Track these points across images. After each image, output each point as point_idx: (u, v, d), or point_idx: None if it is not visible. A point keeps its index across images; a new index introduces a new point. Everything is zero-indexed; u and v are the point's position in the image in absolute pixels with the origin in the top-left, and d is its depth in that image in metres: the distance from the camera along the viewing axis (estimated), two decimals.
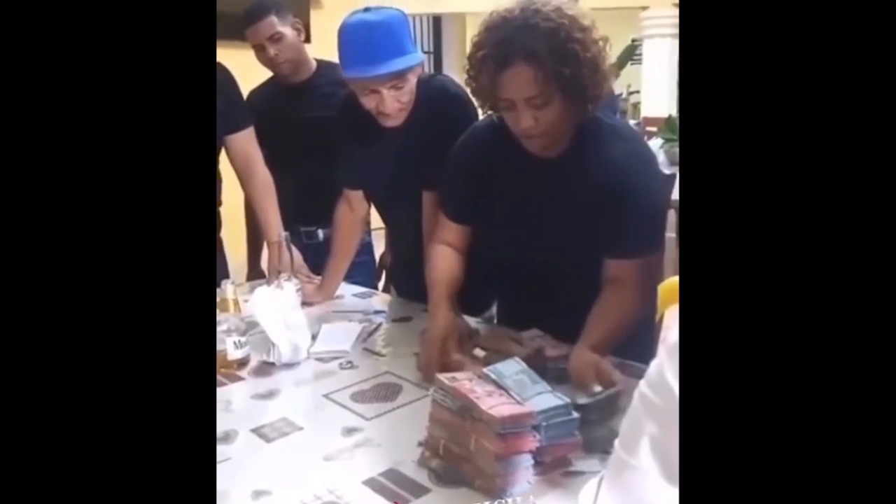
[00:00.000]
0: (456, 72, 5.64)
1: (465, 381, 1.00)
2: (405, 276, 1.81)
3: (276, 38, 1.98)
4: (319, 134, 1.83)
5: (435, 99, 1.53)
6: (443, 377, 1.01)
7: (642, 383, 0.60)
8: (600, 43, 1.22)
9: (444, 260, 1.43)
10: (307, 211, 2.03)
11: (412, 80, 1.47)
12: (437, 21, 6.23)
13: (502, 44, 1.18)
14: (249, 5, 1.99)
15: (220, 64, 1.90)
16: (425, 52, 6.68)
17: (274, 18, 1.97)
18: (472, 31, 4.29)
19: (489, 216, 1.39)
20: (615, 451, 0.62)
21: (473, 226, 1.43)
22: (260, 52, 2.01)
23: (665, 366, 0.57)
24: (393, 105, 1.45)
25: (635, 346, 1.28)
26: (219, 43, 2.39)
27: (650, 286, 1.35)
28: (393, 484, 0.95)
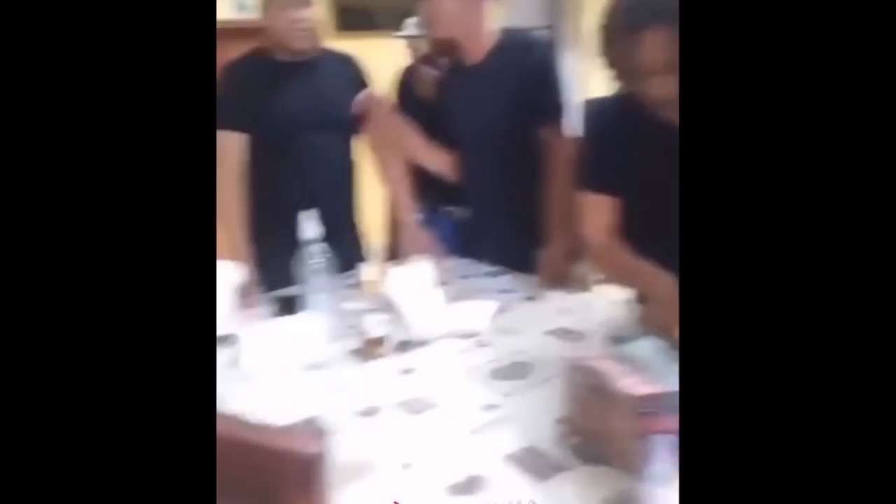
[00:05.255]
0: (573, 46, 5.46)
1: (600, 360, 1.01)
2: (485, 234, 1.86)
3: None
4: None
5: (516, 41, 1.68)
6: (577, 355, 1.02)
7: None
8: None
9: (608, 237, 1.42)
10: (446, 190, 2.09)
11: None
12: None
13: (636, 8, 1.17)
14: None
15: (353, 56, 1.99)
16: (541, 28, 6.53)
17: None
18: (589, 5, 4.18)
19: (626, 189, 1.38)
20: None
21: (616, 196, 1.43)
22: None
23: None
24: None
25: None
26: (351, 34, 2.45)
27: None
28: (533, 460, 0.98)
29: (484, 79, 1.74)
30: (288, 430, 1.02)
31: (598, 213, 1.42)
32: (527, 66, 1.70)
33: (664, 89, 1.19)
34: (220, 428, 0.59)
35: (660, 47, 1.15)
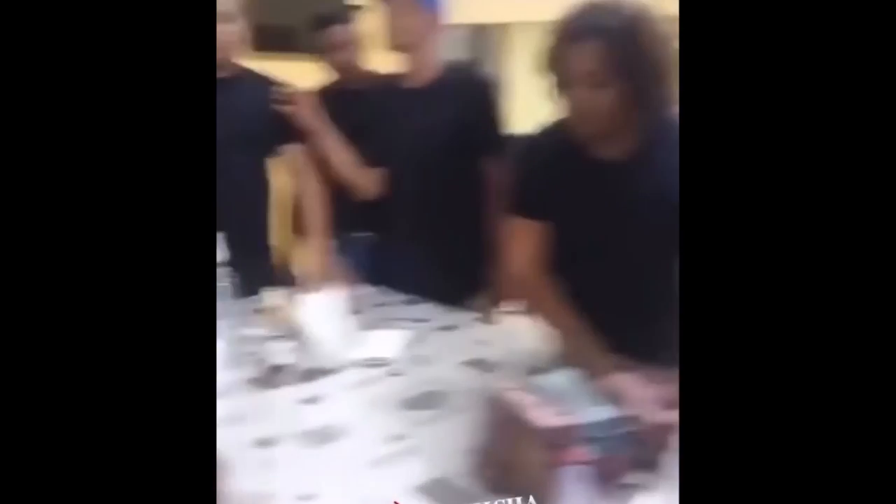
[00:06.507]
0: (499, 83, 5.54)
1: (515, 391, 0.98)
2: (404, 261, 1.83)
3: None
4: None
5: (460, 71, 1.75)
6: (492, 386, 0.99)
7: None
8: (672, 55, 1.21)
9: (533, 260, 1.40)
10: (358, 216, 2.04)
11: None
12: (479, 31, 6.26)
13: (579, 22, 1.20)
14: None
15: (270, 76, 1.93)
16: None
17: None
18: (515, 42, 4.29)
19: (554, 217, 1.38)
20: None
21: (547, 221, 1.42)
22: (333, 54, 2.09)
23: None
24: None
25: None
26: (266, 55, 2.40)
27: None
28: (441, 491, 0.93)
29: (425, 104, 1.74)
30: None
31: (524, 240, 1.41)
32: (470, 98, 1.72)
33: (581, 97, 1.21)
34: None
35: (587, 56, 1.17)
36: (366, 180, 1.88)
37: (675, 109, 1.30)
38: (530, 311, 1.41)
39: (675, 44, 1.21)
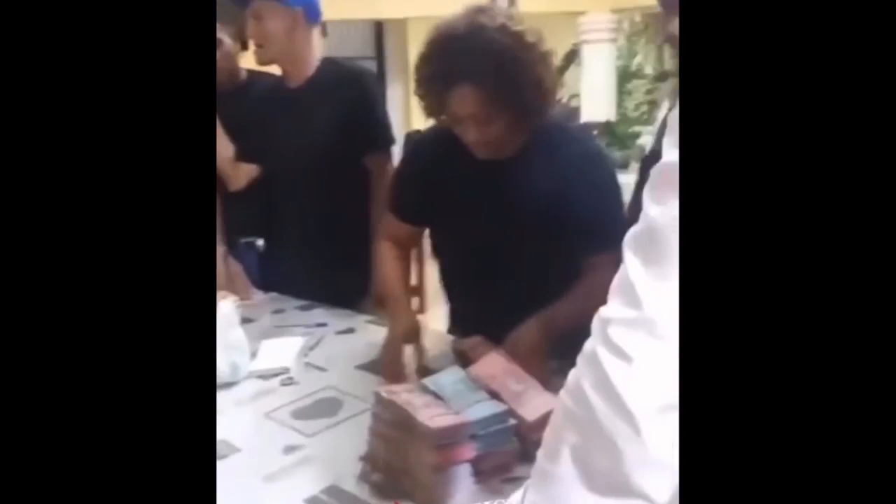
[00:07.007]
0: (398, 78, 5.54)
1: (402, 393, 1.00)
2: (295, 265, 1.85)
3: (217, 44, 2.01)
4: None
5: (339, 69, 1.76)
6: (381, 390, 1.01)
7: (562, 393, 0.62)
8: (546, 59, 1.25)
9: (394, 258, 1.47)
10: (247, 220, 2.01)
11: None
12: (378, 26, 6.21)
13: (447, 63, 1.20)
14: None
15: None
16: (367, 58, 6.67)
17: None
18: (413, 37, 4.34)
19: (440, 220, 1.42)
20: (538, 459, 0.63)
21: (424, 227, 1.46)
22: None
23: (582, 375, 0.59)
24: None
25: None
26: None
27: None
28: (335, 501, 0.95)
29: (304, 104, 1.73)
30: None
31: (395, 230, 1.47)
32: (351, 96, 1.72)
33: (470, 137, 1.26)
34: None
35: (466, 103, 1.20)
36: (237, 173, 1.86)
37: (554, 110, 1.36)
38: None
39: (540, 49, 1.25)
